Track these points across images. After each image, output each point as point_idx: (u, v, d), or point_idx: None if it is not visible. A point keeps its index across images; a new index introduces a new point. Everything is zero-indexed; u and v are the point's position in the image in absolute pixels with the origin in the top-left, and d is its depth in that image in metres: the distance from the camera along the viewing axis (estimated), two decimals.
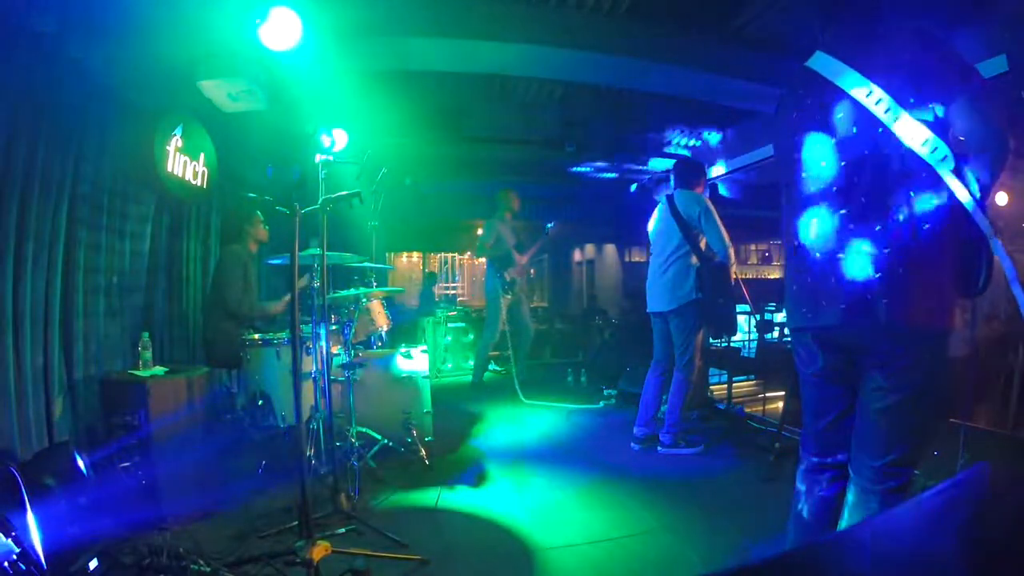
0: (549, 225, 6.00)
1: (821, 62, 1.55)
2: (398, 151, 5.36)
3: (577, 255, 14.93)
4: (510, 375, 5.69)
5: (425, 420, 3.46)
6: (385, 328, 3.36)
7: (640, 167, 6.82)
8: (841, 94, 1.48)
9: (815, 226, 1.53)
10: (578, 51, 4.12)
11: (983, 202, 1.32)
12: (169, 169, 3.33)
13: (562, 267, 15.49)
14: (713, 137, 6.08)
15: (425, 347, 3.66)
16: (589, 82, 4.83)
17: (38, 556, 1.68)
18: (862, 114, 1.43)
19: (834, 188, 1.49)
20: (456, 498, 2.87)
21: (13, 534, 1.60)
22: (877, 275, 1.38)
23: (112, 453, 2.37)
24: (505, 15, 3.92)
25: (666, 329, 3.65)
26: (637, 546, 2.37)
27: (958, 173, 1.32)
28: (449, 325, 6.81)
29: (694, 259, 3.51)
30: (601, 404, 4.95)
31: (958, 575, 0.41)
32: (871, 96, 1.40)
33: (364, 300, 3.21)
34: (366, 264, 3.40)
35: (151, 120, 3.23)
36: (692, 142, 6.25)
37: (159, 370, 2.65)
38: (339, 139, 3.99)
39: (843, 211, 1.46)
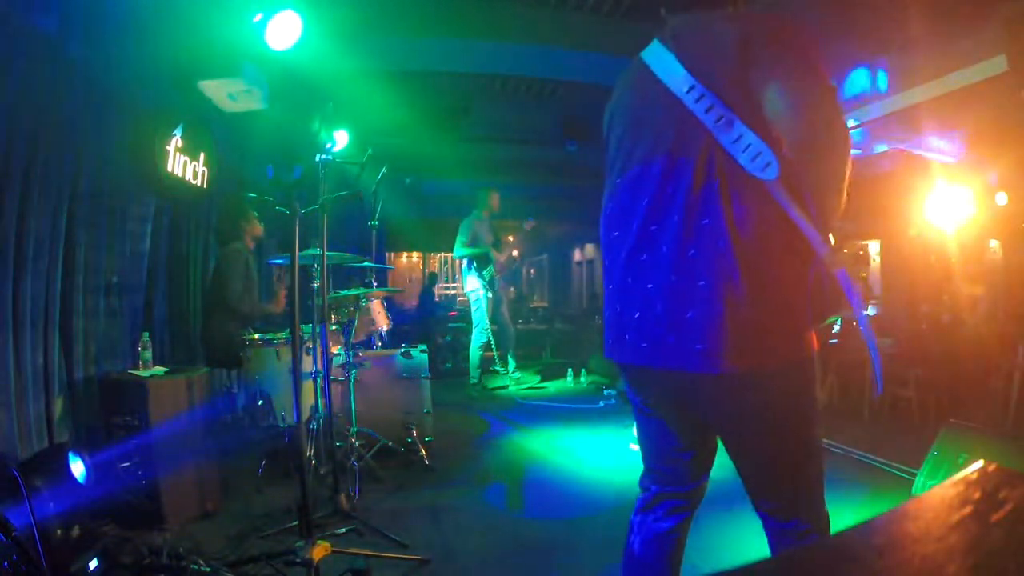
0: (528, 219, 5.88)
1: (652, 52, 1.27)
2: (398, 151, 5.37)
3: (577, 255, 14.95)
4: (506, 376, 5.70)
5: (425, 420, 3.46)
6: (385, 328, 3.36)
7: None
8: (663, 90, 1.20)
9: (623, 246, 1.26)
10: (578, 51, 4.12)
11: (828, 219, 1.08)
12: (169, 169, 3.33)
13: (562, 267, 15.52)
14: None
15: (425, 347, 3.67)
16: (589, 82, 4.83)
17: (39, 555, 1.68)
18: (682, 114, 1.16)
19: (645, 202, 1.21)
20: (456, 498, 2.88)
21: (13, 534, 1.60)
22: (689, 314, 1.12)
23: (112, 453, 2.37)
24: (505, 15, 3.93)
25: None
26: None
27: (786, 184, 1.08)
28: (449, 325, 6.81)
29: None
30: (601, 404, 4.95)
31: None
32: (692, 92, 1.15)
33: (364, 300, 3.21)
34: (366, 264, 3.40)
35: (151, 120, 3.24)
36: None
37: (159, 370, 2.65)
38: (339, 139, 3.99)
39: (653, 228, 1.19)
